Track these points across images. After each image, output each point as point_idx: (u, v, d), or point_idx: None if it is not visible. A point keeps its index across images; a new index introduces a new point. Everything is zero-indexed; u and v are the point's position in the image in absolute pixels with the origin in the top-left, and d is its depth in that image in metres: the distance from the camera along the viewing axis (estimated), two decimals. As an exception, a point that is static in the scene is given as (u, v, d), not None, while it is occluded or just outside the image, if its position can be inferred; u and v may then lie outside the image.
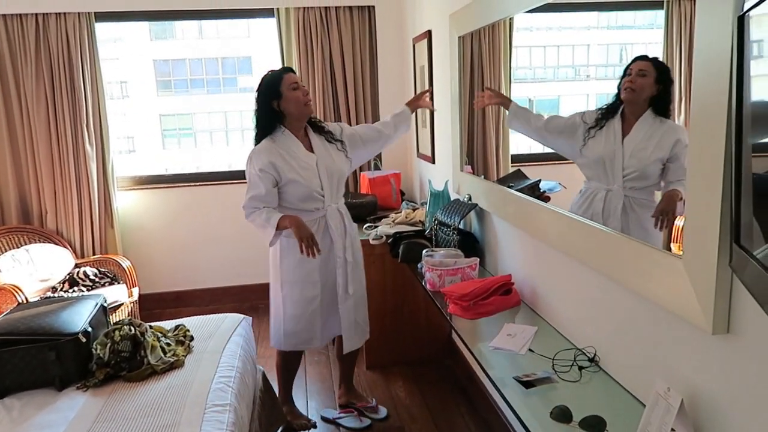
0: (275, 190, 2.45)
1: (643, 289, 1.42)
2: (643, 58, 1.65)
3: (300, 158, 2.46)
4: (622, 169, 1.72)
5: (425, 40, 3.53)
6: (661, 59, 1.58)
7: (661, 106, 1.61)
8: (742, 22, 1.00)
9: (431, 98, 2.96)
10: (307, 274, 2.57)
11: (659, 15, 1.48)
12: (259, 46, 15.53)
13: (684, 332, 1.31)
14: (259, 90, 2.46)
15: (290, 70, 2.49)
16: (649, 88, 1.61)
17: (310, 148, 2.52)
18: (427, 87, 3.57)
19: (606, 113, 1.77)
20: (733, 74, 1.03)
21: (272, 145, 2.44)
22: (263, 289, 4.49)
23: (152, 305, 4.34)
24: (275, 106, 2.43)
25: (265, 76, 2.48)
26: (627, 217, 1.68)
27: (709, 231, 1.15)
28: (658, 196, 1.64)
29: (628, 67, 1.67)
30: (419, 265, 2.64)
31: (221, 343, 2.38)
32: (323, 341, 2.72)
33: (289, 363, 2.81)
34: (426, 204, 3.23)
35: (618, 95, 1.72)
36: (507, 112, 2.32)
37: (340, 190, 2.61)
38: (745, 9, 0.98)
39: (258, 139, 2.49)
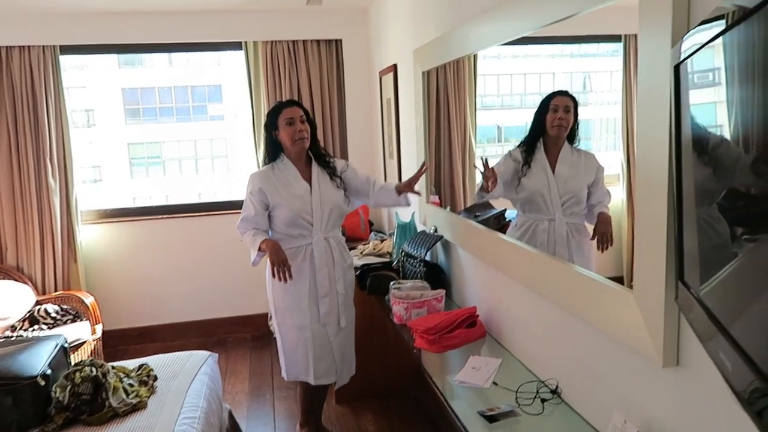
0: (265, 214, 2.56)
1: (599, 321, 1.46)
2: (563, 93, 1.75)
3: (292, 186, 2.54)
4: (560, 197, 1.80)
5: (391, 74, 3.60)
6: (572, 92, 1.74)
7: (573, 136, 1.76)
8: (678, 71, 1.07)
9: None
10: (296, 300, 2.58)
11: (619, 45, 1.55)
12: (230, 75, 15.55)
13: (637, 365, 1.35)
14: (265, 119, 2.63)
15: (293, 103, 2.58)
16: (571, 122, 1.73)
17: (309, 179, 2.58)
18: (393, 124, 3.63)
19: (529, 149, 1.87)
20: (672, 116, 1.09)
21: (269, 171, 2.57)
22: (230, 323, 4.46)
23: (116, 342, 4.24)
24: (274, 137, 2.56)
25: (272, 106, 2.64)
26: (570, 244, 1.76)
27: (656, 266, 1.19)
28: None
29: (548, 102, 1.77)
30: (387, 298, 2.65)
31: (186, 383, 2.34)
32: (316, 379, 2.65)
33: (307, 392, 2.77)
34: (393, 235, 3.26)
35: (538, 130, 1.82)
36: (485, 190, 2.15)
37: (333, 221, 2.63)
38: (682, 59, 1.05)
39: (264, 163, 2.65)
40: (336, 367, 2.70)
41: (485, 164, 2.16)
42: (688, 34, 1.03)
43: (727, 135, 0.89)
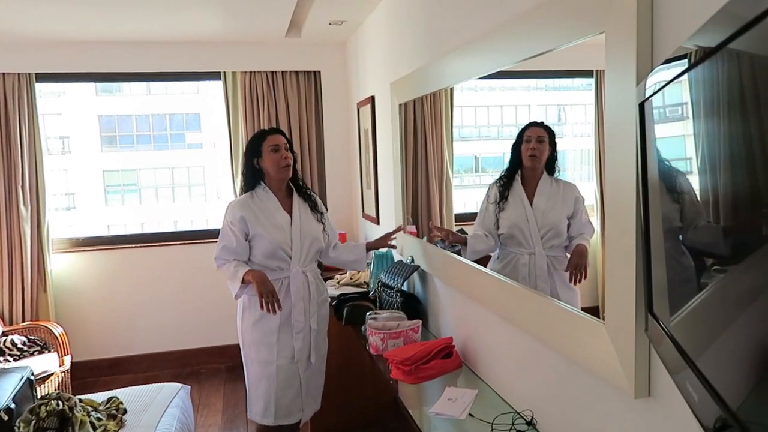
0: (246, 243, 2.47)
1: (572, 352, 1.47)
2: (537, 124, 1.78)
3: (273, 216, 2.48)
4: (538, 230, 1.81)
5: (369, 105, 3.64)
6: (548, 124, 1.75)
7: (552, 166, 1.76)
8: (642, 108, 1.10)
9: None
10: (265, 334, 2.48)
11: (592, 79, 1.58)
12: (209, 103, 15.57)
13: (610, 396, 1.36)
14: (246, 146, 2.56)
15: (277, 131, 2.53)
16: (546, 153, 1.75)
17: (290, 210, 2.54)
18: (371, 154, 3.66)
19: (506, 183, 1.88)
20: (638, 152, 1.12)
21: (249, 199, 2.50)
22: (204, 354, 4.38)
23: (86, 374, 4.12)
24: (256, 164, 2.49)
25: (254, 133, 2.61)
26: (552, 278, 1.75)
27: (626, 298, 1.21)
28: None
29: (522, 133, 1.80)
30: (363, 328, 2.63)
31: (156, 416, 2.29)
32: (277, 420, 2.50)
33: None
34: (370, 265, 3.26)
35: (516, 162, 1.83)
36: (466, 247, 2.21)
37: (312, 254, 2.56)
38: (646, 96, 1.08)
39: (242, 191, 2.57)
40: (302, 404, 2.59)
41: (433, 229, 2.22)
42: (651, 72, 1.07)
43: (693, 169, 0.92)
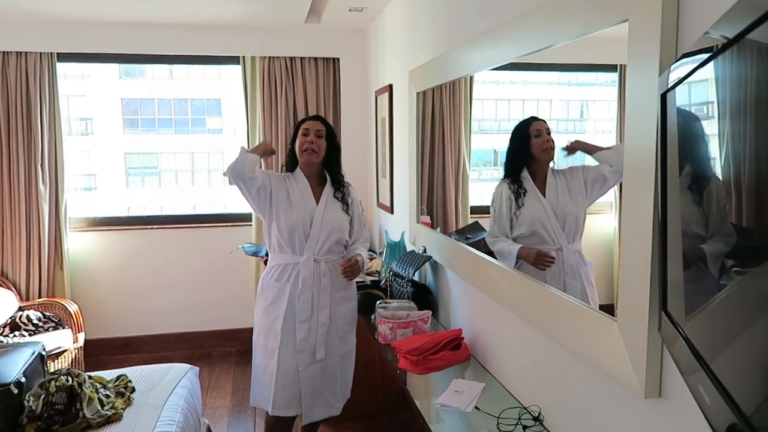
0: (259, 179, 2.40)
1: (582, 349, 1.44)
2: (538, 119, 1.73)
3: (298, 198, 2.46)
4: (558, 223, 1.74)
5: (387, 93, 3.61)
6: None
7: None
8: (664, 99, 1.06)
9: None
10: (272, 321, 2.45)
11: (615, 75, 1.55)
12: (230, 89, 15.65)
13: (620, 394, 1.33)
14: None
15: (316, 118, 2.55)
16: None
17: (318, 198, 2.50)
18: (387, 143, 3.62)
19: (515, 178, 1.82)
20: (658, 145, 1.08)
21: (282, 176, 2.53)
22: (216, 337, 4.42)
23: (99, 351, 4.17)
24: (295, 148, 2.52)
25: None
26: (580, 273, 1.66)
27: (640, 295, 1.18)
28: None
29: (527, 129, 1.74)
30: (373, 317, 2.62)
31: (164, 396, 2.30)
32: (274, 410, 2.44)
33: (269, 424, 2.55)
34: (383, 254, 3.24)
35: (521, 159, 1.78)
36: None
37: (329, 245, 2.48)
38: (669, 87, 1.04)
39: (280, 170, 2.61)
40: (300, 400, 2.48)
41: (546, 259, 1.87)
42: (676, 63, 1.03)
43: (716, 166, 0.88)
